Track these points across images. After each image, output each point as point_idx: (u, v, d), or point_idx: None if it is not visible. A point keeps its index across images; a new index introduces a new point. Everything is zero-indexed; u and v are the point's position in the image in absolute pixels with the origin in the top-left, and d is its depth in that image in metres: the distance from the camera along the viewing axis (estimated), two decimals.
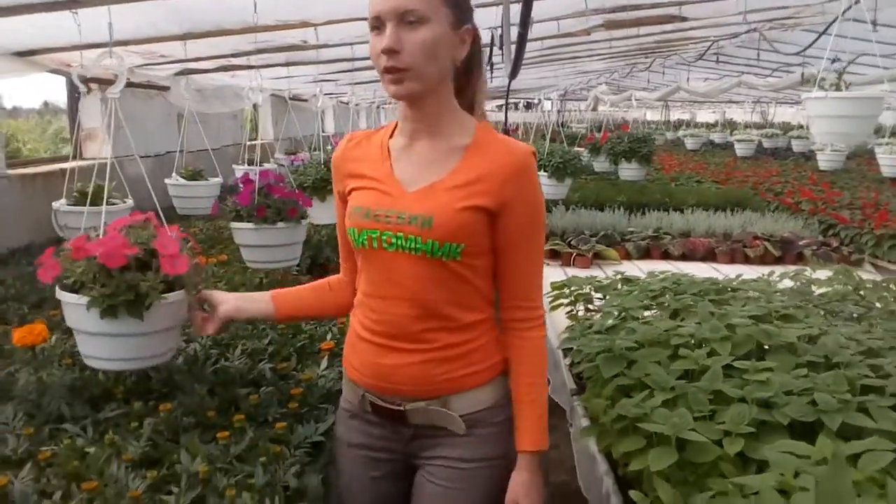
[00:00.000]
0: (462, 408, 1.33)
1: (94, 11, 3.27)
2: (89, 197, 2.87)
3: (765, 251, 5.08)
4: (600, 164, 8.35)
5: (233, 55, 5.60)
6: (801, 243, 5.21)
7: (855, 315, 2.41)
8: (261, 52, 5.58)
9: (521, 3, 2.96)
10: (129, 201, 3.39)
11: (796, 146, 13.21)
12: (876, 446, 1.36)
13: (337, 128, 10.82)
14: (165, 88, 5.83)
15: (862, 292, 2.64)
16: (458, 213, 1.25)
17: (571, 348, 2.35)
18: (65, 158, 5.72)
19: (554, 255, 5.03)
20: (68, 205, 3.17)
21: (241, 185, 2.93)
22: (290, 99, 6.85)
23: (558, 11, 5.12)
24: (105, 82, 5.40)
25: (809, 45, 7.00)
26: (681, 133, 16.96)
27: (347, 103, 13.12)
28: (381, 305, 1.32)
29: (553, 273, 4.30)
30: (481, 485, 1.35)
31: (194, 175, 4.34)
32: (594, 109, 15.96)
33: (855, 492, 1.10)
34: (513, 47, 3.31)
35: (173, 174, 4.41)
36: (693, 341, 1.95)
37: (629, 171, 7.39)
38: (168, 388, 2.02)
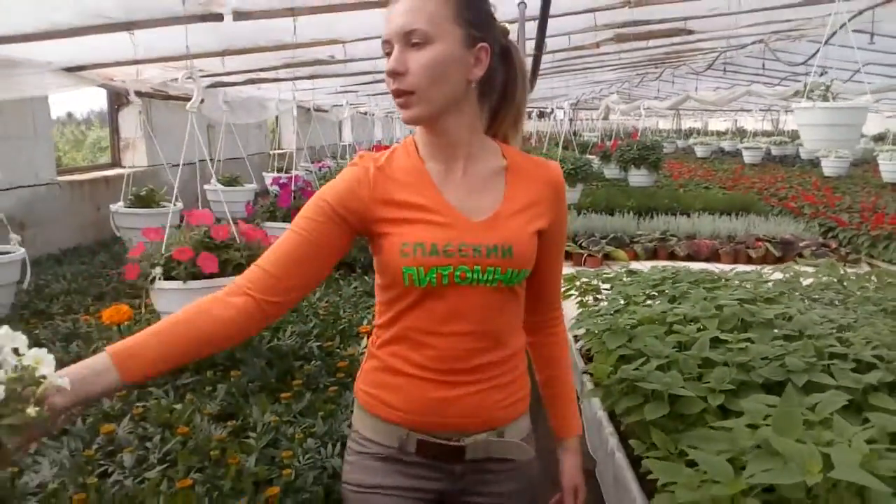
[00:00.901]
0: (516, 436, 1.30)
1: (145, 32, 3.63)
2: (138, 200, 3.21)
3: (766, 252, 5.35)
4: (611, 171, 8.63)
5: (261, 69, 5.96)
6: (801, 245, 5.47)
7: (836, 301, 2.69)
8: (288, 66, 5.95)
9: (536, 24, 3.26)
10: (179, 204, 3.73)
11: (804, 153, 13.43)
12: (833, 398, 1.65)
13: (356, 137, 11.19)
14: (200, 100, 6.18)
15: (845, 283, 2.92)
16: (531, 237, 1.24)
17: (580, 333, 2.64)
18: (106, 166, 6.08)
19: (566, 256, 5.32)
20: (125, 207, 3.49)
21: (275, 190, 3.26)
22: (315, 110, 7.20)
23: (570, 27, 5.42)
24: (144, 95, 5.76)
25: (811, 56, 7.27)
26: (691, 141, 17.22)
27: (365, 113, 13.45)
28: (441, 341, 1.22)
29: (565, 273, 4.60)
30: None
31: (231, 181, 4.67)
32: (605, 118, 16.23)
33: (802, 420, 1.39)
34: (528, 60, 3.62)
35: (212, 180, 4.75)
36: (686, 319, 2.24)
37: (638, 177, 7.68)
38: (231, 361, 2.34)
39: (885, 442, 1.42)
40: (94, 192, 5.38)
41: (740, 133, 19.88)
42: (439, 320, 1.22)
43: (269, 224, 3.03)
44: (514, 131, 1.32)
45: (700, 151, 15.78)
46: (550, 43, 6.14)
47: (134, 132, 6.20)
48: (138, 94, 5.74)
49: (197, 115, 7.23)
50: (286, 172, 6.43)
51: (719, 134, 21.19)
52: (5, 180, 4.22)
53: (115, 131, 6.06)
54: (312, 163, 6.91)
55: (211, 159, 6.22)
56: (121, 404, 2.01)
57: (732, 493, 1.28)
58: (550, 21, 3.68)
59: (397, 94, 1.16)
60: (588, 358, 2.64)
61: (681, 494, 1.33)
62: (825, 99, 3.36)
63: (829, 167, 9.77)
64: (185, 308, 1.16)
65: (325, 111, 9.84)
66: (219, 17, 3.53)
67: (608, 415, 2.20)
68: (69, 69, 4.68)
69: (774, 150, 14.94)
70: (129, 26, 3.47)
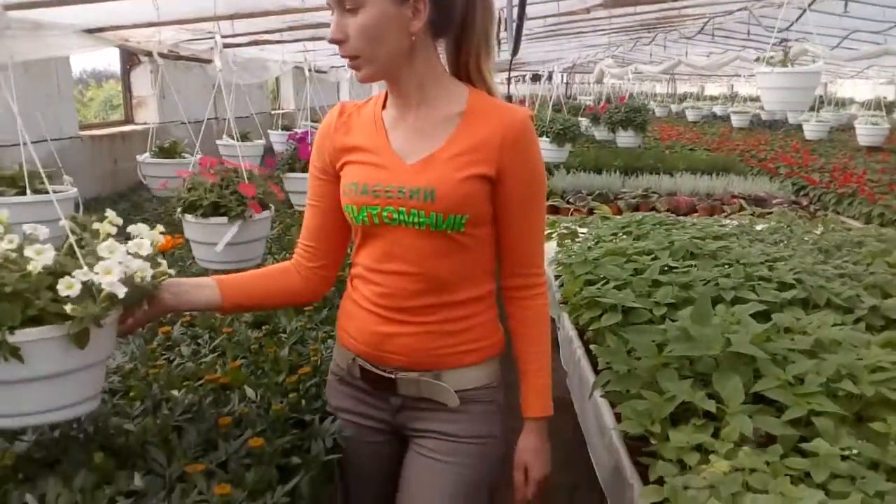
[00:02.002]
0: (455, 383, 1.33)
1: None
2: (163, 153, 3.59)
3: (740, 208, 5.74)
4: (600, 133, 8.98)
5: (266, 31, 6.27)
6: (774, 201, 5.87)
7: (780, 242, 3.10)
8: (292, 29, 6.26)
9: None
10: (199, 155, 4.10)
11: (791, 118, 13.78)
12: (751, 307, 2.06)
13: (354, 97, 11.49)
14: (208, 61, 6.50)
15: (792, 228, 3.33)
16: (460, 183, 1.22)
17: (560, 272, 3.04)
18: (118, 123, 6.41)
19: (554, 210, 5.72)
20: (151, 157, 3.86)
21: (284, 146, 3.60)
22: (316, 71, 7.50)
23: None
24: (159, 55, 6.07)
25: (792, 24, 7.58)
26: (684, 105, 17.54)
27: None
28: (384, 280, 1.30)
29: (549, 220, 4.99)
30: (473, 462, 1.36)
31: (242, 137, 5.03)
32: (599, 82, 16.48)
33: (713, 312, 1.80)
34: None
35: (224, 136, 5.11)
36: (643, 252, 2.65)
37: (626, 138, 8.04)
38: None
39: (778, 335, 1.83)
40: (112, 147, 5.72)
41: (733, 98, 20.17)
42: (379, 258, 1.31)
43: (289, 175, 3.39)
44: (480, 61, 1.30)
45: (691, 115, 16.12)
46: (540, 8, 6.43)
47: (146, 90, 6.51)
48: (149, 54, 6.06)
49: (203, 76, 7.52)
50: (290, 130, 6.77)
51: (713, 99, 21.45)
52: (35, 134, 4.57)
53: (127, 90, 6.37)
54: (314, 122, 7.26)
55: (216, 118, 6.57)
56: (171, 314, 2.41)
57: (654, 364, 1.69)
58: None
59: (345, 58, 1.22)
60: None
61: (617, 367, 1.75)
62: (784, 65, 3.72)
63: (810, 131, 10.16)
64: (275, 266, 1.47)
65: (324, 72, 10.11)
66: None
67: (577, 333, 2.62)
68: (89, 31, 5.00)
69: (764, 115, 15.29)
70: None
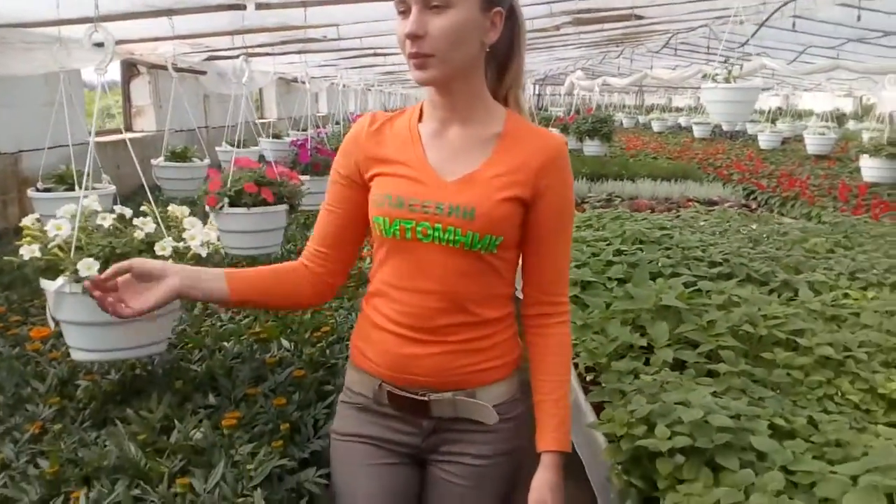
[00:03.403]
0: (489, 400, 1.30)
1: (180, 17, 4.40)
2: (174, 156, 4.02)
3: (695, 211, 6.30)
4: (570, 143, 9.55)
5: (259, 45, 6.71)
6: (726, 205, 6.42)
7: (717, 232, 3.62)
8: (284, 42, 6.71)
9: None
10: (207, 160, 4.53)
11: (750, 129, 14.51)
12: (683, 279, 2.56)
13: (330, 108, 11.92)
14: (202, 73, 6.91)
15: (729, 223, 3.86)
16: (499, 203, 1.22)
17: None
18: (117, 131, 6.80)
19: None
20: (164, 161, 4.29)
21: (285, 152, 4.04)
22: (299, 82, 7.92)
23: (529, 14, 6.25)
24: (158, 67, 6.48)
25: (748, 40, 8.20)
26: (650, 117, 18.25)
27: (344, 86, 14.16)
28: (407, 297, 1.27)
29: None
30: (497, 482, 1.34)
31: (238, 144, 5.46)
32: (570, 94, 17.12)
33: (649, 280, 2.29)
34: None
35: (223, 143, 5.54)
36: (600, 240, 3.15)
37: (592, 147, 8.61)
38: None
39: (700, 296, 2.34)
40: (115, 153, 6.13)
41: (700, 110, 20.96)
42: (405, 275, 1.26)
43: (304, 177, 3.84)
44: (517, 87, 1.33)
45: (656, 126, 16.81)
46: None
47: (143, 100, 6.91)
48: (162, 67, 6.46)
49: (195, 85, 7.93)
50: (278, 138, 7.18)
51: (678, 110, 22.22)
52: (52, 140, 5.00)
53: (126, 99, 6.76)
54: (302, 131, 7.70)
55: (207, 126, 6.98)
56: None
57: (603, 317, 2.18)
58: None
59: (414, 56, 1.17)
60: None
61: (574, 320, 2.23)
62: (727, 81, 4.27)
63: (764, 141, 10.84)
64: (284, 265, 1.37)
65: (302, 83, 10.56)
66: (242, 7, 4.30)
67: None
68: (98, 44, 5.40)
69: (726, 126, 16.00)
70: (169, 13, 4.23)
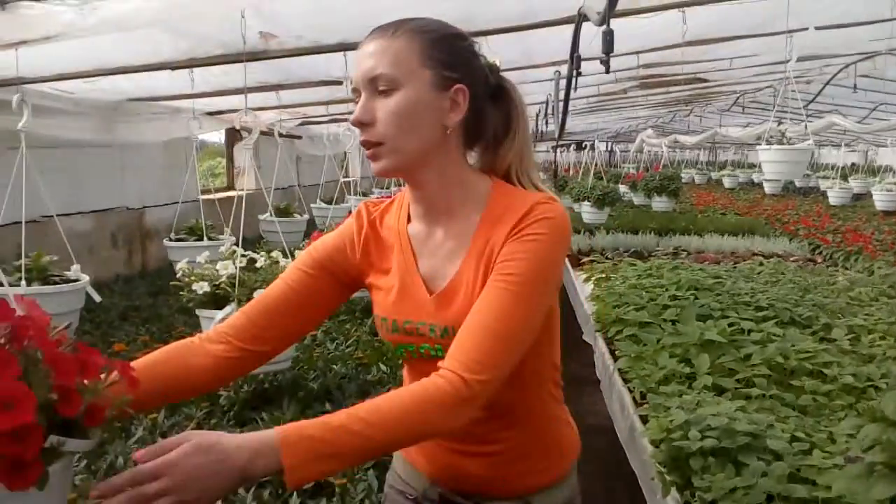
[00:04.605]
0: None
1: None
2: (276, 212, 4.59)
3: (753, 263, 6.51)
4: (638, 199, 9.86)
5: (348, 112, 7.38)
6: (791, 259, 6.62)
7: (770, 282, 3.91)
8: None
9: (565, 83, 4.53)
10: (306, 216, 5.11)
11: (823, 185, 14.45)
12: (730, 321, 2.88)
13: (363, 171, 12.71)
14: (298, 137, 7.63)
15: (784, 273, 4.14)
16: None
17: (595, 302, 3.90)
18: (223, 189, 7.54)
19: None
20: (270, 217, 4.88)
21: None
22: None
23: (594, 80, 6.71)
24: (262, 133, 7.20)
25: (812, 100, 8.45)
26: (722, 173, 18.32)
27: None
28: None
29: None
30: None
31: (330, 201, 6.06)
32: (640, 151, 17.44)
33: (700, 324, 2.64)
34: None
35: (317, 200, 6.15)
36: (658, 287, 3.50)
37: (660, 203, 8.91)
38: None
39: (740, 334, 2.67)
40: (222, 208, 6.85)
41: None
42: None
43: None
44: (527, 165, 1.21)
45: (727, 182, 16.86)
46: (582, 90, 7.43)
47: (244, 162, 7.65)
48: (247, 130, 7.19)
49: (290, 147, 8.69)
50: (364, 196, 7.79)
51: (752, 167, 22.15)
52: (168, 197, 5.70)
53: (230, 160, 7.51)
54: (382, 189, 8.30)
55: (300, 185, 7.65)
56: None
57: (654, 350, 2.54)
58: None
59: (366, 145, 1.09)
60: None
61: (629, 351, 2.60)
62: (780, 142, 4.58)
63: (833, 197, 10.89)
64: (162, 349, 1.15)
65: None
66: (339, 83, 4.91)
67: (609, 351, 3.45)
68: (211, 113, 6.15)
69: (798, 183, 15.94)
70: (277, 87, 4.88)
